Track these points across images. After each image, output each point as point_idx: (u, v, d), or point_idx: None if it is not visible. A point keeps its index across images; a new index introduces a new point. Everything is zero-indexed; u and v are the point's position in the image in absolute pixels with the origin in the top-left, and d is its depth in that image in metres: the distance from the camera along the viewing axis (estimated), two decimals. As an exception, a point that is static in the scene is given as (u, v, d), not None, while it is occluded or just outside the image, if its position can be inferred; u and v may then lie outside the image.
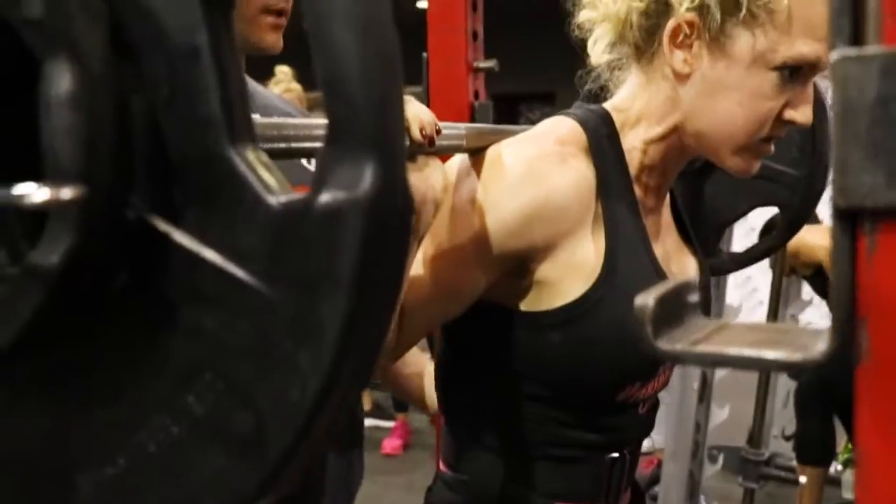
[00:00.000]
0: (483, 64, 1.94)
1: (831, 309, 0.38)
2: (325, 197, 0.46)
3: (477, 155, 0.95)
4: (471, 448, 1.04)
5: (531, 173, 0.92)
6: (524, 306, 0.96)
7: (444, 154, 0.93)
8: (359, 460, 1.53)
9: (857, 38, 0.38)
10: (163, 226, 0.50)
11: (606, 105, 1.03)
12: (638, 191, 1.01)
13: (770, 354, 0.39)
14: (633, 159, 1.01)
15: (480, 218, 0.92)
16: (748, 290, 4.06)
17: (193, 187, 0.49)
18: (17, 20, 0.45)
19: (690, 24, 0.94)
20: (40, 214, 0.48)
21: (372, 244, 0.45)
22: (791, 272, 3.29)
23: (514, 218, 0.92)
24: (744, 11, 0.92)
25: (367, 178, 0.45)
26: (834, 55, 0.38)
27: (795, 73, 0.94)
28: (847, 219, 0.38)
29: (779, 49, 0.92)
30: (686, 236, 1.15)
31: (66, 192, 0.43)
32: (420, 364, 1.55)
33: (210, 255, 0.49)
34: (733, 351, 0.40)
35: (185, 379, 0.50)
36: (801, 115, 0.96)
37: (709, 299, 1.16)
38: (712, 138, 0.97)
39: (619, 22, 0.98)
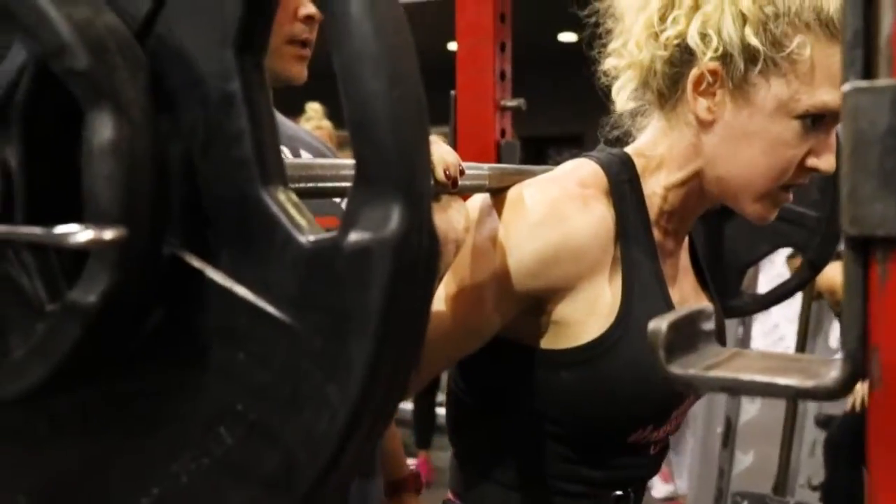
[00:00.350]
0: (510, 103, 1.96)
1: (843, 337, 0.39)
2: (353, 237, 0.47)
3: (499, 194, 0.97)
4: (479, 479, 1.05)
5: (552, 215, 0.94)
6: (541, 344, 0.98)
7: (467, 194, 0.95)
8: (377, 494, 1.54)
9: (868, 71, 0.39)
10: (197, 263, 0.52)
11: (628, 149, 1.04)
12: (657, 234, 1.03)
13: (782, 381, 0.40)
14: (653, 204, 1.02)
15: (500, 257, 0.94)
16: (775, 339, 4.05)
17: (227, 227, 0.51)
18: (64, 71, 0.48)
19: (714, 73, 0.95)
20: (80, 254, 0.50)
21: (399, 282, 0.47)
22: (818, 296, 3.27)
23: (533, 258, 0.93)
24: (767, 61, 0.94)
25: (394, 219, 0.47)
26: (846, 87, 0.39)
27: (818, 121, 0.95)
28: (859, 247, 0.39)
29: (801, 98, 0.94)
30: (703, 281, 1.16)
31: (108, 233, 0.45)
32: (400, 456, 1.57)
33: (242, 291, 0.51)
34: (745, 377, 0.41)
35: (216, 411, 0.52)
36: (825, 162, 0.97)
37: (723, 344, 1.17)
38: (733, 185, 0.99)
39: (643, 69, 1.00)
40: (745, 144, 0.96)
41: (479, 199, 0.99)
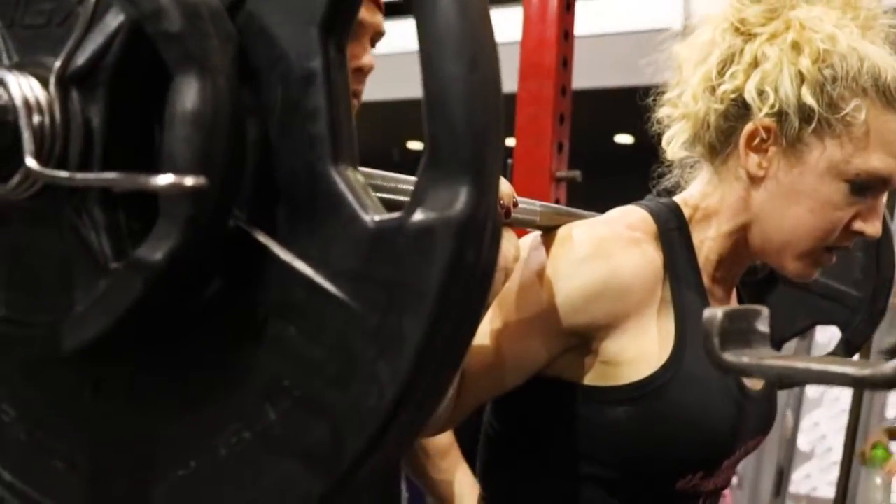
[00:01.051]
0: (565, 174, 1.98)
1: None
2: (418, 216, 0.48)
3: (549, 233, 0.98)
4: None
5: (599, 252, 0.95)
6: (588, 381, 0.97)
7: (519, 228, 0.96)
8: None
9: None
10: (261, 237, 0.53)
11: (676, 199, 1.06)
12: (706, 281, 1.03)
13: (837, 368, 0.39)
14: (701, 253, 1.03)
15: (547, 291, 0.94)
16: (817, 436, 3.97)
17: (294, 202, 0.52)
18: (157, 32, 0.50)
19: (768, 129, 0.97)
20: (148, 217, 0.51)
21: (460, 263, 0.47)
22: None
23: (578, 294, 0.94)
24: (821, 122, 0.95)
25: (461, 200, 0.47)
26: None
27: (867, 185, 0.97)
28: None
29: (853, 161, 0.95)
30: None
31: (188, 180, 0.46)
32: (455, 475, 1.54)
33: (303, 267, 0.51)
34: (800, 365, 0.40)
35: (263, 386, 0.52)
36: (871, 227, 0.99)
37: (775, 405, 1.14)
38: (778, 241, 1.00)
39: (697, 121, 1.01)
40: (793, 202, 0.98)
41: (530, 238, 1.00)
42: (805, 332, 1.43)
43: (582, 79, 2.43)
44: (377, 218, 0.50)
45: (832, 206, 0.97)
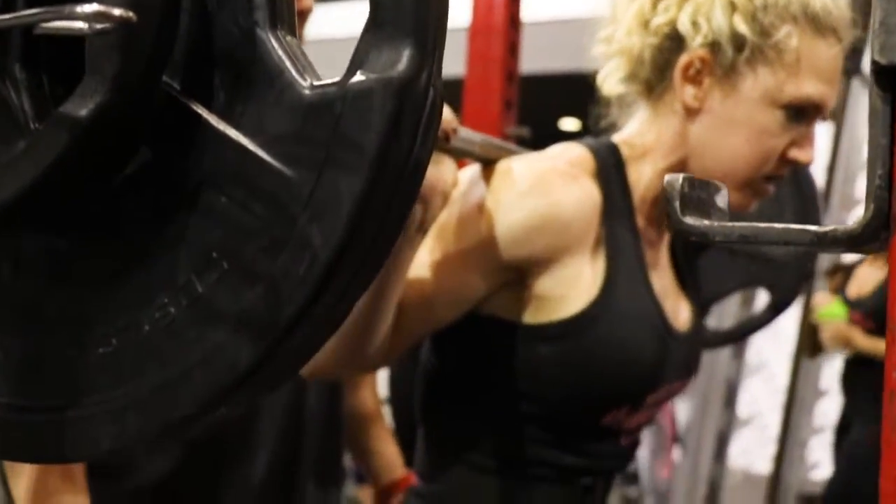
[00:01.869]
0: (514, 131, 1.97)
1: (868, 177, 0.37)
2: (358, 77, 0.46)
3: (488, 167, 0.97)
4: (450, 460, 1.03)
5: (539, 185, 0.95)
6: (521, 319, 0.98)
7: (459, 158, 0.95)
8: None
9: None
10: (195, 106, 0.50)
11: (614, 138, 1.06)
12: (640, 221, 1.04)
13: (799, 227, 0.38)
14: (637, 191, 1.04)
15: (486, 224, 0.94)
16: (755, 411, 4.06)
17: (229, 69, 0.50)
18: None
19: (702, 60, 0.98)
20: (73, 82, 0.48)
21: (399, 125, 0.46)
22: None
23: (518, 226, 0.94)
24: (754, 50, 0.96)
25: (402, 62, 0.46)
26: None
27: (801, 113, 0.98)
28: (886, 79, 0.37)
29: (786, 88, 0.97)
30: (683, 283, 1.15)
31: (117, 11, 0.43)
32: (383, 444, 1.54)
33: (236, 136, 0.49)
34: (762, 225, 0.39)
35: (190, 259, 0.50)
36: (804, 154, 1.00)
37: (699, 351, 1.15)
38: (717, 173, 1.00)
39: (632, 57, 1.01)
40: (730, 132, 0.98)
41: (469, 171, 0.99)
42: (732, 293, 1.45)
43: (528, 63, 2.42)
44: (315, 82, 0.48)
45: (768, 134, 0.97)
